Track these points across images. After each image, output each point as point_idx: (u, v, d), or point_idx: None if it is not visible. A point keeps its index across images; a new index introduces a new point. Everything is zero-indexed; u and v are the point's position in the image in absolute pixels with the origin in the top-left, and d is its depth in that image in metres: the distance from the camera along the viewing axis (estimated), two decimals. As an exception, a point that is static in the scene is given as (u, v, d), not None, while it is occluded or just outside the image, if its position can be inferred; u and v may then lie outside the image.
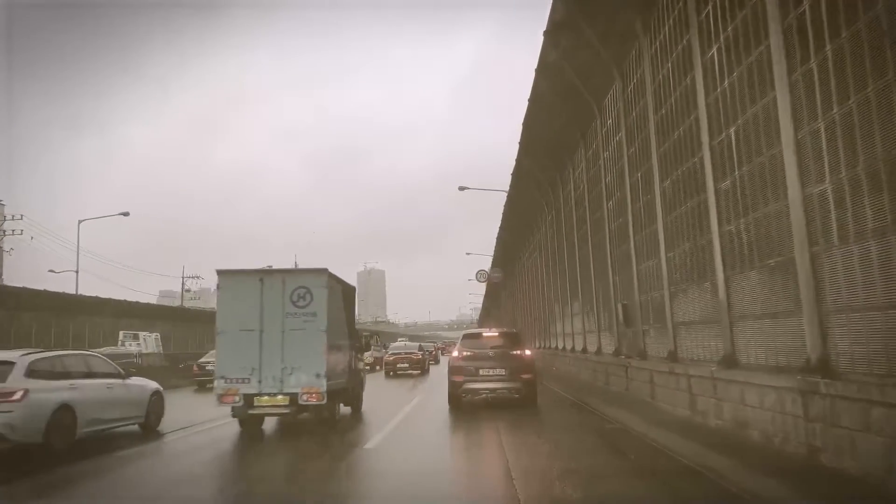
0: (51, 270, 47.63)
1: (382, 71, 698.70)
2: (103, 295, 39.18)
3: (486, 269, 45.84)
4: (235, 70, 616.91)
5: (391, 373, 27.76)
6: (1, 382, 8.39)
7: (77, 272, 43.42)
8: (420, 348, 31.00)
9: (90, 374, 10.13)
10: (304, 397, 10.35)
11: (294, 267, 13.85)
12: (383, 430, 10.94)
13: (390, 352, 30.10)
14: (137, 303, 45.21)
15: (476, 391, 13.39)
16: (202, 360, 22.74)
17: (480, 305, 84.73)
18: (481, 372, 12.94)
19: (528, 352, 13.84)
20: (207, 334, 49.19)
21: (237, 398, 10.37)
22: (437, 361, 39.44)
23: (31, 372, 8.83)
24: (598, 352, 16.65)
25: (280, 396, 10.37)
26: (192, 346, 44.98)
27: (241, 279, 11.00)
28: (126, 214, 46.79)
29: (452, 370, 13.32)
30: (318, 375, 10.40)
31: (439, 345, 60.93)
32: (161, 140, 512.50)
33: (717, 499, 5.88)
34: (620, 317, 13.82)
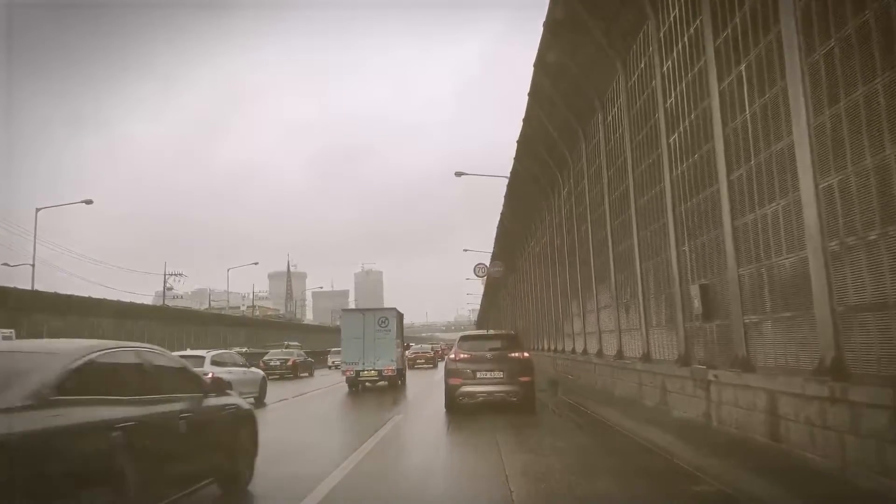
0: (4, 264, 43.34)
1: (385, 71, 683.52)
2: (99, 297, 37.99)
3: (486, 264, 41.87)
4: (238, 68, 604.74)
5: (412, 366, 35.36)
6: (200, 368, 12.57)
7: (34, 266, 39.29)
8: (432, 349, 44.91)
9: (234, 364, 15.93)
10: (385, 372, 20.41)
11: (378, 307, 24.29)
12: (416, 393, 18.62)
13: (411, 351, 38.87)
14: (105, 299, 40.89)
15: (473, 394, 12.52)
16: (265, 357, 29.78)
17: (478, 307, 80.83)
18: (479, 375, 12.40)
19: (526, 354, 13.08)
20: (198, 333, 46.33)
21: (352, 372, 20.29)
22: (442, 359, 46.28)
23: (213, 362, 14.63)
24: (646, 358, 11.80)
25: (373, 371, 20.35)
26: (180, 344, 41.04)
27: (353, 313, 22.49)
28: (89, 202, 42.85)
29: (449, 373, 12.76)
30: (392, 360, 20.48)
31: (444, 346, 66.04)
32: (163, 138, 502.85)
33: None
34: (696, 305, 8.97)
